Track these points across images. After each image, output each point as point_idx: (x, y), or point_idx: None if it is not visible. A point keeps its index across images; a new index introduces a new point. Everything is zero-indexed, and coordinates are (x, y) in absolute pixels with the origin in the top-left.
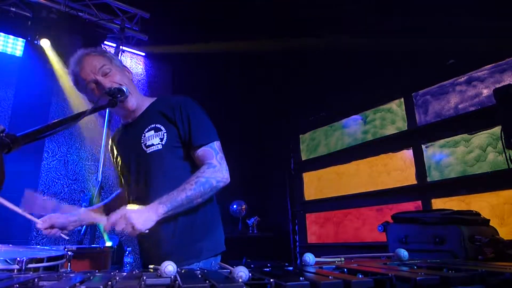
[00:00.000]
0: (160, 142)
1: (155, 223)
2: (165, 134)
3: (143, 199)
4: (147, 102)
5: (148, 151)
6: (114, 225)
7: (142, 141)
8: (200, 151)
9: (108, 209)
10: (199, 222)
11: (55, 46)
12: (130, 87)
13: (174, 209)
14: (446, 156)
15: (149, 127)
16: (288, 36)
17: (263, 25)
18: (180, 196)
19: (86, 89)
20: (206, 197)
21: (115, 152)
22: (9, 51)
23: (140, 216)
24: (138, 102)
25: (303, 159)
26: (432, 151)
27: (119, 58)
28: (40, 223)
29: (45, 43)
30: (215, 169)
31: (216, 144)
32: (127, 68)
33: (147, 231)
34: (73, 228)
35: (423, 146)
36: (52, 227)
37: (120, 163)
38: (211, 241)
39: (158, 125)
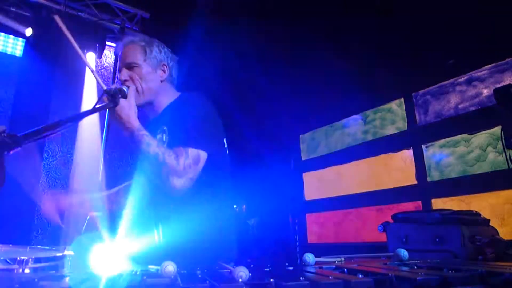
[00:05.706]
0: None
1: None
2: (168, 138)
3: (154, 201)
4: (169, 99)
5: None
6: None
7: None
8: (173, 150)
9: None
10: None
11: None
12: (147, 85)
13: (136, 141)
14: (446, 156)
15: (160, 129)
16: (288, 36)
17: (263, 26)
18: (148, 141)
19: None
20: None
21: None
22: (9, 51)
23: (127, 108)
24: (150, 100)
25: (303, 159)
26: (432, 151)
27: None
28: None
29: (28, 32)
30: (174, 165)
31: (192, 151)
32: (164, 65)
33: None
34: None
35: (423, 146)
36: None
37: None
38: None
39: (166, 128)
